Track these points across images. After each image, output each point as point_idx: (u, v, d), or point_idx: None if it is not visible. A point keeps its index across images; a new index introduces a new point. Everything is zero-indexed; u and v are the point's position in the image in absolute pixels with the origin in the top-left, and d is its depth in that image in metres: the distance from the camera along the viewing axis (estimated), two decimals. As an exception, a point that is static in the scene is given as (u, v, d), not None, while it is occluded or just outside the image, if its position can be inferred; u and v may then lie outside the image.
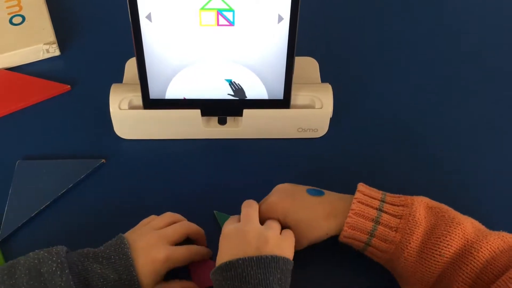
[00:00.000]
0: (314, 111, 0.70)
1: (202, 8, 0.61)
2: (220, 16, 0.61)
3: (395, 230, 0.54)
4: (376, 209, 0.56)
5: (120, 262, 0.54)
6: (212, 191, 0.68)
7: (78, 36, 0.86)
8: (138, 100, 0.69)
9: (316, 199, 0.59)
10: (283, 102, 0.69)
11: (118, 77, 0.74)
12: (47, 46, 0.81)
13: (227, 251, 0.54)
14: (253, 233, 0.55)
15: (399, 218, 0.55)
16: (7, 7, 0.85)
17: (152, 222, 0.60)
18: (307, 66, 0.76)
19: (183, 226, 0.60)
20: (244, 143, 0.73)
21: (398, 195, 0.57)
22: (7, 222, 0.64)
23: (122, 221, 0.62)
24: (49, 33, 0.82)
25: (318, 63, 0.77)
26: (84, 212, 0.66)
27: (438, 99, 0.79)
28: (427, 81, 0.81)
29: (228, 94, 0.68)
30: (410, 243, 0.54)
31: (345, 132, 0.74)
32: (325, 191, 0.60)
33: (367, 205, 0.56)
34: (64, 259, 0.52)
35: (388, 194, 0.57)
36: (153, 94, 0.68)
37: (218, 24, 0.62)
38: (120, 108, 0.69)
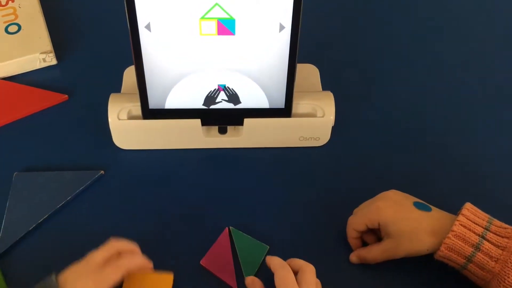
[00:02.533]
0: (315, 119, 0.69)
1: (202, 18, 0.60)
2: (220, 26, 0.61)
3: (495, 261, 0.54)
4: (479, 235, 0.55)
5: None
6: (213, 201, 0.67)
7: (75, 45, 0.85)
8: (137, 110, 0.68)
9: (422, 213, 0.58)
10: (284, 111, 0.68)
11: (116, 86, 0.73)
12: (43, 55, 0.80)
13: None
14: None
15: (502, 249, 0.54)
16: (3, 16, 0.84)
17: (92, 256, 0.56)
18: (308, 73, 0.75)
19: (109, 244, 0.57)
20: (245, 153, 0.72)
21: (505, 225, 0.56)
22: (5, 236, 0.63)
23: (121, 233, 0.61)
24: (45, 42, 0.81)
25: (319, 70, 0.76)
26: (84, 224, 0.65)
27: (441, 105, 0.78)
28: (429, 88, 0.81)
29: (223, 99, 0.67)
30: (509, 277, 0.53)
31: (347, 140, 0.73)
32: (432, 207, 0.60)
33: (470, 229, 0.55)
34: None
35: (494, 221, 0.57)
36: (153, 104, 0.67)
37: (218, 34, 0.61)
38: (119, 118, 0.68)
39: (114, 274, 0.55)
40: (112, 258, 0.56)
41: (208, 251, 0.62)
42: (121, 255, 0.57)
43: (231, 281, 0.60)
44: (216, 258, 0.62)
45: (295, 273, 0.55)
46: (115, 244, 0.57)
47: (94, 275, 0.54)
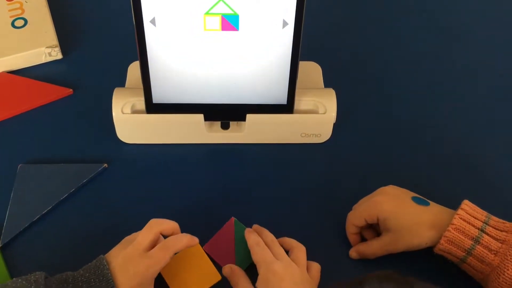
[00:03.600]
0: (317, 116, 0.70)
1: (207, 13, 0.60)
2: (224, 21, 0.61)
3: (494, 253, 0.55)
4: (478, 228, 0.56)
5: (100, 285, 0.52)
6: (215, 196, 0.68)
7: (80, 40, 0.85)
8: (141, 105, 0.69)
9: (421, 208, 0.59)
10: (287, 107, 0.69)
11: (120, 81, 0.74)
12: (49, 50, 0.81)
13: None
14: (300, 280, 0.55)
15: (501, 243, 0.55)
16: (9, 10, 0.85)
17: (131, 236, 0.58)
18: (310, 70, 0.76)
19: (151, 226, 0.57)
20: (247, 148, 0.73)
21: (503, 220, 0.57)
22: (9, 227, 0.64)
23: (124, 226, 0.61)
24: (51, 36, 0.82)
25: (321, 68, 0.76)
26: (86, 217, 0.66)
27: (443, 103, 0.79)
28: (431, 85, 0.81)
29: (226, 95, 0.68)
30: (508, 270, 0.54)
31: (349, 137, 0.74)
32: (430, 202, 0.60)
33: (469, 223, 0.56)
34: (43, 281, 0.51)
35: (493, 217, 0.57)
36: (156, 98, 0.68)
37: (222, 29, 0.62)
38: (122, 112, 0.69)
39: (163, 257, 0.55)
40: (157, 240, 0.57)
41: (212, 238, 0.63)
42: (167, 236, 0.58)
43: None
44: (219, 246, 0.62)
45: (286, 252, 0.58)
46: (157, 225, 0.58)
47: (144, 259, 0.54)
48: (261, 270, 0.56)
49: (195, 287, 0.60)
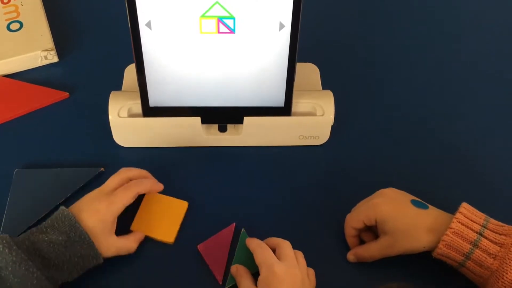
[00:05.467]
0: (315, 118, 0.69)
1: (203, 16, 0.60)
2: (220, 24, 0.61)
3: (493, 257, 0.54)
4: (477, 232, 0.55)
5: (63, 224, 0.56)
6: (213, 199, 0.67)
7: (76, 43, 0.85)
8: (138, 108, 0.68)
9: (419, 211, 0.59)
10: (284, 110, 0.69)
11: (117, 84, 0.73)
12: (45, 53, 0.80)
13: None
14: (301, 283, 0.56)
15: (499, 246, 0.54)
16: (5, 13, 0.85)
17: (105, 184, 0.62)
18: (308, 72, 0.76)
19: (120, 172, 0.63)
20: (245, 151, 0.72)
21: (502, 223, 0.56)
22: (6, 233, 0.63)
23: (121, 231, 0.61)
24: (47, 39, 0.81)
25: (319, 69, 0.76)
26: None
27: (441, 105, 0.78)
28: (430, 87, 0.81)
29: (222, 97, 0.67)
30: (507, 273, 0.53)
31: (347, 139, 0.74)
32: (429, 205, 0.60)
33: (467, 227, 0.56)
34: (9, 239, 0.53)
35: (491, 220, 0.57)
36: (153, 101, 0.67)
37: (218, 32, 0.61)
38: (119, 116, 0.68)
39: (124, 196, 0.60)
40: (123, 185, 0.61)
41: (208, 239, 0.63)
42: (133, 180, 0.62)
43: (219, 274, 0.60)
44: (214, 248, 0.62)
45: (273, 250, 0.58)
46: (126, 172, 0.62)
47: (106, 198, 0.59)
48: (262, 271, 0.56)
49: (172, 225, 0.64)
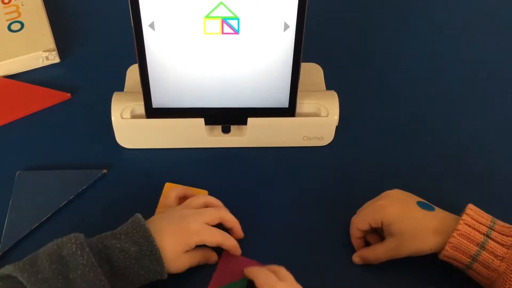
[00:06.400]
0: (319, 119, 0.69)
1: (207, 16, 0.59)
2: (224, 24, 0.60)
3: (500, 259, 0.54)
4: (484, 234, 0.55)
5: (138, 234, 0.55)
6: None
7: (78, 43, 0.84)
8: (141, 109, 0.68)
9: (426, 212, 0.58)
10: (288, 111, 0.68)
11: (119, 84, 0.73)
12: (46, 53, 0.80)
13: None
14: None
15: (507, 248, 0.54)
16: (6, 13, 0.84)
17: (186, 202, 0.61)
18: (311, 72, 0.75)
19: (220, 211, 0.61)
20: (249, 152, 0.72)
21: (508, 225, 0.56)
22: (8, 235, 0.63)
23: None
24: (48, 40, 0.81)
25: (323, 69, 0.75)
26: (86, 224, 0.65)
27: (448, 105, 0.78)
28: (435, 87, 0.80)
29: (226, 98, 0.67)
30: None
31: (352, 140, 0.73)
32: (435, 207, 0.59)
33: (474, 228, 0.55)
34: (83, 240, 0.53)
35: (498, 222, 0.56)
36: (156, 103, 0.67)
37: (222, 32, 0.61)
38: (122, 117, 0.68)
39: (215, 238, 0.58)
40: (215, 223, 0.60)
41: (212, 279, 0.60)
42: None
43: None
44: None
45: None
46: (223, 213, 0.61)
47: (201, 224, 0.58)
48: None
49: None
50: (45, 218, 0.64)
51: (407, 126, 0.75)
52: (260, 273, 0.56)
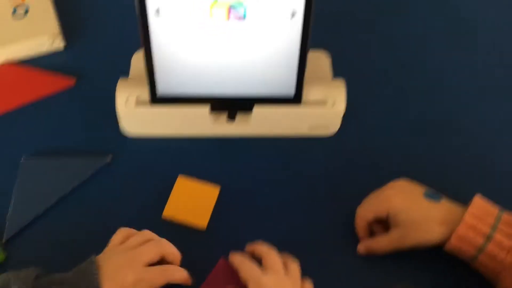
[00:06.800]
0: (326, 108, 0.68)
1: (213, 3, 0.58)
2: (231, 11, 0.59)
3: (506, 252, 0.53)
4: (490, 226, 0.54)
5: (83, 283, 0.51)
6: (221, 188, 0.66)
7: (83, 29, 0.83)
8: (146, 96, 0.67)
9: (432, 203, 0.58)
10: (295, 99, 0.67)
11: (124, 71, 0.72)
12: (51, 39, 0.79)
13: None
14: None
15: None
16: (10, -2, 0.83)
17: (127, 241, 0.56)
18: (318, 59, 0.74)
19: (158, 244, 0.56)
20: (253, 140, 0.71)
21: None
22: (12, 222, 0.63)
23: (129, 221, 0.61)
24: (53, 25, 0.80)
25: (330, 56, 0.74)
26: (90, 211, 0.65)
27: (458, 96, 0.77)
28: (446, 77, 0.79)
29: (232, 86, 0.66)
30: None
31: (358, 129, 0.72)
32: (442, 197, 0.59)
33: (481, 220, 0.55)
34: (30, 285, 0.50)
35: (506, 212, 0.56)
36: (161, 90, 0.66)
37: (229, 19, 0.60)
38: (127, 105, 0.67)
39: (158, 278, 0.54)
40: (156, 260, 0.55)
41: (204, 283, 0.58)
42: (166, 262, 0.56)
43: None
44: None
45: (259, 260, 0.56)
46: (167, 247, 0.56)
47: (138, 272, 0.53)
48: (249, 286, 0.53)
49: (204, 210, 0.63)
50: (49, 205, 0.64)
51: (416, 116, 0.74)
52: (243, 266, 0.55)
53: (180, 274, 0.56)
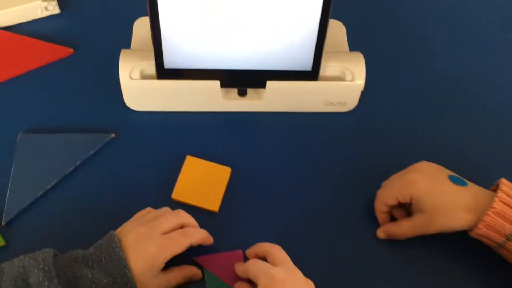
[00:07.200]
0: (344, 83, 0.65)
1: (228, -31, 0.54)
2: (247, -22, 0.54)
3: None
4: None
5: (112, 264, 0.50)
6: (232, 169, 0.63)
7: (79, -8, 0.78)
8: (151, 69, 0.63)
9: (458, 188, 0.55)
10: (311, 74, 0.63)
11: (126, 39, 0.68)
12: (45, 3, 0.74)
13: None
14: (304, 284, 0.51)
15: None
16: (-1, -42, 0.77)
17: (147, 215, 0.55)
18: (333, 30, 0.70)
19: (176, 214, 0.55)
20: (266, 117, 0.68)
21: None
22: (11, 203, 0.59)
23: (134, 200, 0.58)
24: (47, -12, 0.75)
25: (345, 27, 0.70)
26: (94, 191, 0.61)
27: (481, 73, 0.73)
28: (471, 51, 0.75)
29: (244, 60, 0.62)
30: None
31: (377, 106, 0.69)
32: (468, 182, 0.56)
33: (510, 206, 0.52)
34: (52, 266, 0.48)
35: None
36: (168, 63, 0.62)
37: (244, -13, 0.55)
38: (131, 78, 0.63)
39: (179, 243, 0.52)
40: (176, 229, 0.54)
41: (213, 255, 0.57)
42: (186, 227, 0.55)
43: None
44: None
45: (264, 259, 0.54)
46: (185, 216, 0.55)
47: (160, 240, 0.52)
48: (260, 281, 0.51)
49: (216, 192, 0.60)
50: (51, 185, 0.60)
51: (439, 93, 0.71)
52: (250, 265, 0.53)
53: (200, 235, 0.55)
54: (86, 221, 0.59)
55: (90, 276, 0.49)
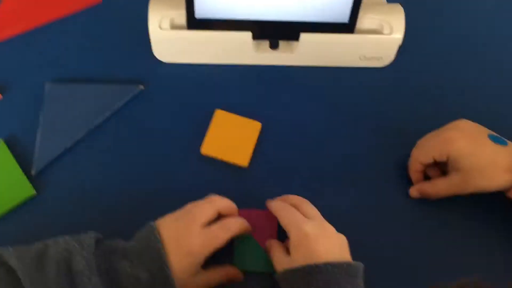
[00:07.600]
0: (381, 37, 0.62)
1: None
2: None
3: None
4: None
5: (151, 260, 0.48)
6: (262, 124, 0.61)
7: None
8: (181, 19, 0.61)
9: (498, 147, 0.53)
10: (348, 26, 0.61)
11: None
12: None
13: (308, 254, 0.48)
14: (336, 238, 0.50)
15: None
16: None
17: (183, 208, 0.52)
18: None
19: (210, 201, 0.52)
20: (297, 71, 0.65)
21: None
22: (41, 153, 0.59)
23: (165, 157, 0.58)
24: None
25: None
26: (122, 145, 0.61)
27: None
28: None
29: (278, 10, 0.59)
30: None
31: (414, 61, 0.66)
32: (508, 141, 0.54)
33: None
34: (92, 256, 0.47)
35: None
36: (200, 13, 0.60)
37: None
38: (160, 28, 0.61)
39: (222, 237, 0.50)
40: (214, 218, 0.51)
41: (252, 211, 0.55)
42: (226, 217, 0.52)
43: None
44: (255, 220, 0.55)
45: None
46: (219, 202, 0.52)
47: (201, 236, 0.49)
48: (291, 234, 0.50)
49: (245, 147, 0.59)
50: (80, 137, 0.60)
51: (481, 47, 0.68)
52: (283, 212, 0.52)
53: (240, 225, 0.52)
54: (115, 172, 0.59)
55: (128, 269, 0.47)
